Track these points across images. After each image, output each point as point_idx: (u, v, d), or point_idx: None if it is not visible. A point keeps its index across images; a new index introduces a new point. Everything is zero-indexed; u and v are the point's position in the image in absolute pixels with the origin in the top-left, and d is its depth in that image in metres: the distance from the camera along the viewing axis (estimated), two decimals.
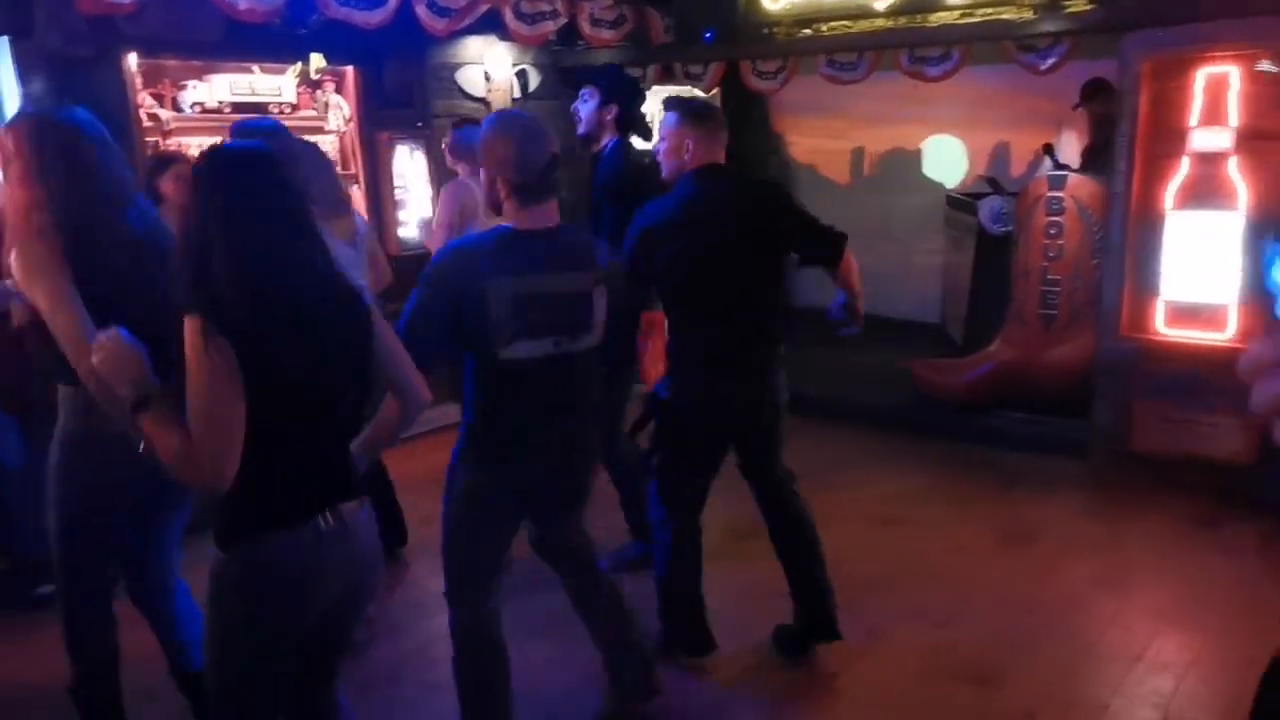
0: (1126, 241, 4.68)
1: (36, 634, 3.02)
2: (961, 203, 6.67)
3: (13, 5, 3.93)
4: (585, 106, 3.87)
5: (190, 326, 1.71)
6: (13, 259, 2.21)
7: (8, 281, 2.49)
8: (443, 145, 5.00)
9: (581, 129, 3.92)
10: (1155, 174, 4.58)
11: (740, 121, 7.83)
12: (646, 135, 4.34)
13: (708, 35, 6.06)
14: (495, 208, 2.49)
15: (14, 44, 3.96)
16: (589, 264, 2.49)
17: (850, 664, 3.24)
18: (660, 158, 3.10)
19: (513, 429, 2.44)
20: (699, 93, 7.16)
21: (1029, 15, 4.95)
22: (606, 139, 3.86)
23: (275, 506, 1.84)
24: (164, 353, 1.80)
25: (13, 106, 3.99)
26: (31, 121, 2.31)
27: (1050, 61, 5.15)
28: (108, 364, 1.79)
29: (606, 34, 6.03)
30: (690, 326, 3.02)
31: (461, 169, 4.51)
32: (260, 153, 1.88)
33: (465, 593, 2.53)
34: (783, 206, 3.08)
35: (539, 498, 2.59)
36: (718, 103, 7.60)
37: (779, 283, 3.10)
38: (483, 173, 2.47)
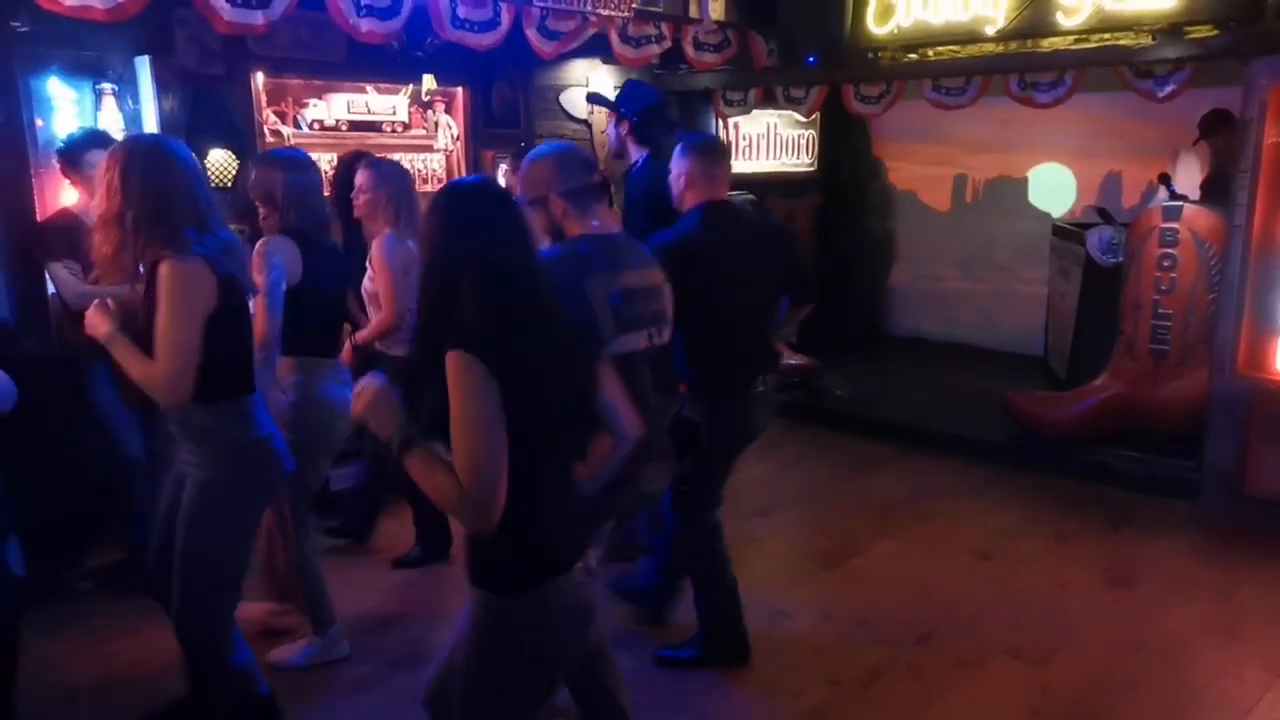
0: (1246, 276, 4.49)
1: (149, 619, 3.11)
2: (1069, 233, 6.48)
3: (156, 27, 4.21)
4: (611, 128, 4.01)
5: (457, 362, 1.68)
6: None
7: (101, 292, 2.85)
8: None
9: (614, 148, 4.08)
10: None
11: (840, 147, 7.82)
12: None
13: (811, 59, 6.06)
14: (555, 235, 2.50)
15: (154, 62, 4.22)
16: (654, 261, 2.59)
17: (937, 698, 3.16)
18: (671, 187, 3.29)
19: None
20: (799, 117, 7.16)
21: (1148, 41, 4.80)
22: (635, 155, 3.92)
23: (557, 548, 1.84)
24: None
25: (151, 121, 4.25)
26: (125, 147, 2.45)
27: (1169, 89, 4.99)
28: (370, 411, 1.76)
29: (710, 58, 6.10)
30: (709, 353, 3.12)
31: None
32: (495, 187, 1.93)
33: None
34: (788, 247, 3.40)
35: None
36: (816, 126, 7.59)
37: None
38: (533, 211, 2.44)
